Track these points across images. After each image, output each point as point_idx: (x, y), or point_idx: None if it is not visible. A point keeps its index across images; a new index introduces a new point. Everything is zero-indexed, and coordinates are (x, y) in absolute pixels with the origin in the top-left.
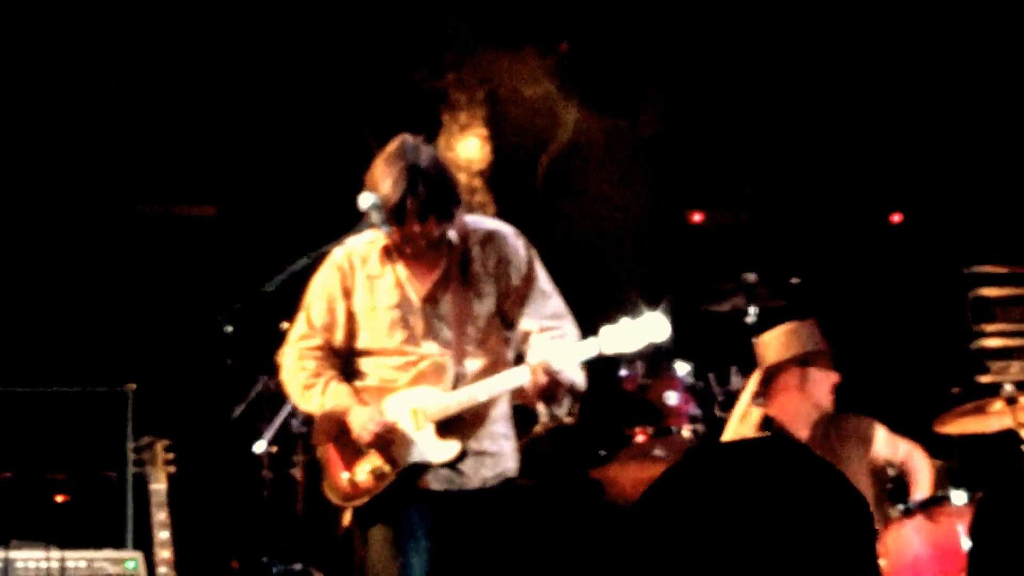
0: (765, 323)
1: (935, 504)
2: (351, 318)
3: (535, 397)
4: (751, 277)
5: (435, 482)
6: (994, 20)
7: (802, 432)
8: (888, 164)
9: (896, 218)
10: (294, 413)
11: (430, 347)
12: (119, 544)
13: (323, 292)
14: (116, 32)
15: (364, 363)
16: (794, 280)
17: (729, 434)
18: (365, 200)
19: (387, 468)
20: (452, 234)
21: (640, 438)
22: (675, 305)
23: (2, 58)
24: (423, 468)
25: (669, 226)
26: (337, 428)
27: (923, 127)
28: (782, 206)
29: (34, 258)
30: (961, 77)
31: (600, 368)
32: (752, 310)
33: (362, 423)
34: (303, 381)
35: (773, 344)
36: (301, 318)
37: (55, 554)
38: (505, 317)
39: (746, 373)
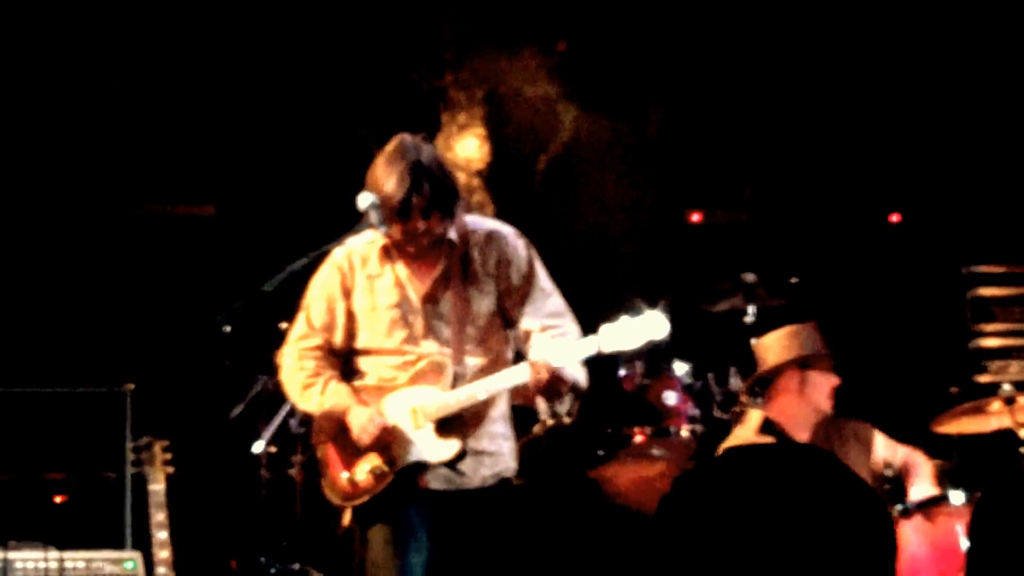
0: (764, 323)
1: (934, 504)
2: (351, 318)
3: (536, 395)
4: (750, 277)
5: (435, 481)
6: (994, 20)
7: (802, 435)
8: (887, 164)
9: (895, 218)
10: (293, 413)
11: (430, 346)
12: (118, 544)
13: (323, 292)
14: (116, 32)
15: (363, 362)
16: (793, 280)
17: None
18: (364, 200)
19: (386, 467)
20: (452, 234)
21: (639, 438)
22: (674, 305)
23: (3, 58)
24: (422, 467)
25: (668, 226)
26: (336, 428)
27: (922, 127)
28: (781, 206)
29: (33, 258)
30: (960, 77)
31: (599, 368)
32: (751, 310)
33: (361, 423)
34: (302, 381)
35: (773, 346)
36: (300, 318)
37: (54, 554)
38: (506, 316)
39: (745, 374)
